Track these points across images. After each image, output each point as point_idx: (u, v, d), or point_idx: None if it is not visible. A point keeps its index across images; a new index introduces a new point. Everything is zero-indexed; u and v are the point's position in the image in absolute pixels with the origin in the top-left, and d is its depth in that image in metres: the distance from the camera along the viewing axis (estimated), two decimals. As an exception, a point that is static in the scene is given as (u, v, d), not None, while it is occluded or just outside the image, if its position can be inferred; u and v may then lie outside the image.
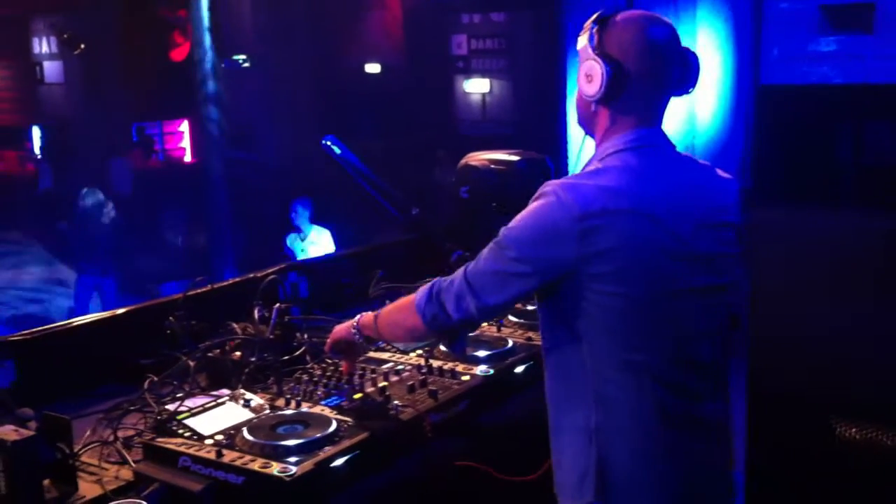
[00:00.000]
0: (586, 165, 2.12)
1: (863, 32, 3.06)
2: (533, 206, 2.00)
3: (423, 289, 2.13)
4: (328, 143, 3.59)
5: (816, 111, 3.47)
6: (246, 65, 11.15)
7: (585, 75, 2.06)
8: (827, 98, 3.37)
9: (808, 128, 3.54)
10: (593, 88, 2.04)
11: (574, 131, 5.68)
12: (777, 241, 3.36)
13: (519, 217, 2.02)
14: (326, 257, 3.64)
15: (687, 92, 2.14)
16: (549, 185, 2.00)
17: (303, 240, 8.02)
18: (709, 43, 5.66)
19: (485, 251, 2.05)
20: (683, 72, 2.11)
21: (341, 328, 2.40)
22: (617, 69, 2.01)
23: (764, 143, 3.54)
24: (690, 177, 2.11)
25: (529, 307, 3.24)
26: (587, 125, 2.18)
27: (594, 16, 2.08)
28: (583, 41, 2.07)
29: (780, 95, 3.42)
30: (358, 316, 2.36)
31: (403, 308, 2.20)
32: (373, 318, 2.30)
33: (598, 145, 2.13)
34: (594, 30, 2.06)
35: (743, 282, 2.18)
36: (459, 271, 2.08)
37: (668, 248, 1.97)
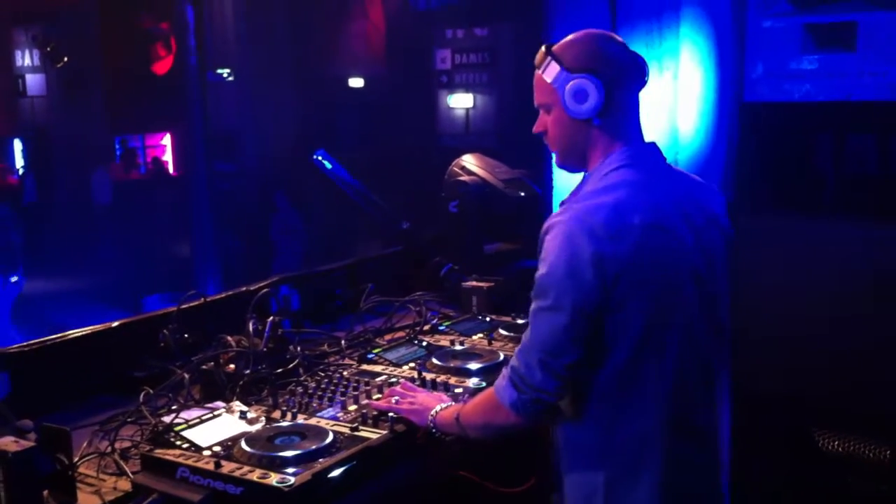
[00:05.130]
0: (584, 185, 2.13)
1: (846, 50, 3.12)
2: (552, 243, 1.98)
3: (502, 384, 2.08)
4: (319, 157, 3.62)
5: (799, 127, 3.54)
6: (230, 78, 11.19)
7: (574, 96, 2.05)
8: (809, 114, 3.43)
9: (791, 142, 3.60)
10: (590, 104, 2.05)
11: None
12: (760, 249, 3.41)
13: (544, 258, 2.00)
14: (317, 270, 3.66)
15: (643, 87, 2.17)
16: (560, 216, 2.00)
17: None
18: (692, 59, 5.74)
19: (531, 315, 2.03)
20: (641, 72, 2.14)
21: (413, 415, 2.33)
22: (607, 78, 2.04)
23: (747, 157, 3.60)
24: (686, 188, 2.16)
25: (520, 321, 3.28)
26: (577, 155, 2.15)
27: (542, 49, 2.12)
28: (551, 70, 2.08)
29: (763, 112, 3.48)
30: (434, 412, 2.30)
31: (489, 409, 2.15)
32: (454, 420, 2.24)
33: (592, 167, 2.12)
34: (552, 58, 2.09)
35: (726, 292, 2.23)
36: (516, 354, 2.06)
37: (677, 257, 2.03)
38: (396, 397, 2.42)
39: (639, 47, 5.89)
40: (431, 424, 2.30)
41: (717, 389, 2.22)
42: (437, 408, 2.32)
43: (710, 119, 5.72)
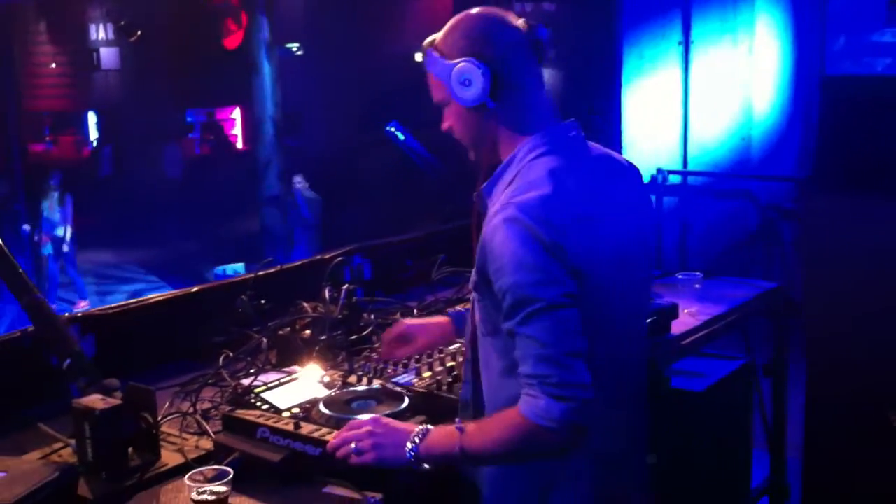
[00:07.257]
0: (503, 175, 1.96)
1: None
2: (508, 246, 1.81)
3: (536, 405, 1.78)
4: (392, 129, 3.65)
5: (879, 101, 3.46)
6: (299, 53, 11.27)
7: (459, 84, 1.91)
8: (891, 88, 3.36)
9: (871, 117, 3.52)
10: (476, 89, 1.90)
11: (630, 114, 5.70)
12: (838, 230, 3.36)
13: (503, 265, 1.82)
14: (389, 240, 3.69)
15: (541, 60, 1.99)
16: (502, 216, 1.83)
17: None
18: (768, 32, 5.65)
19: (522, 327, 1.82)
20: (535, 45, 1.96)
21: (388, 455, 1.97)
22: (491, 59, 1.89)
23: (827, 132, 3.53)
24: (607, 171, 2.03)
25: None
26: (486, 146, 1.98)
27: (425, 42, 2.00)
28: (434, 63, 1.95)
29: (844, 85, 3.41)
30: (413, 442, 1.94)
31: (520, 435, 1.83)
32: (457, 452, 1.90)
33: (507, 156, 1.96)
34: (432, 50, 1.96)
35: (650, 276, 2.11)
36: (534, 367, 1.80)
37: (611, 249, 1.92)
38: (353, 443, 1.99)
39: (712, 21, 5.81)
40: (413, 458, 1.94)
41: (641, 383, 2.11)
42: (416, 437, 1.95)
43: (787, 94, 5.64)
